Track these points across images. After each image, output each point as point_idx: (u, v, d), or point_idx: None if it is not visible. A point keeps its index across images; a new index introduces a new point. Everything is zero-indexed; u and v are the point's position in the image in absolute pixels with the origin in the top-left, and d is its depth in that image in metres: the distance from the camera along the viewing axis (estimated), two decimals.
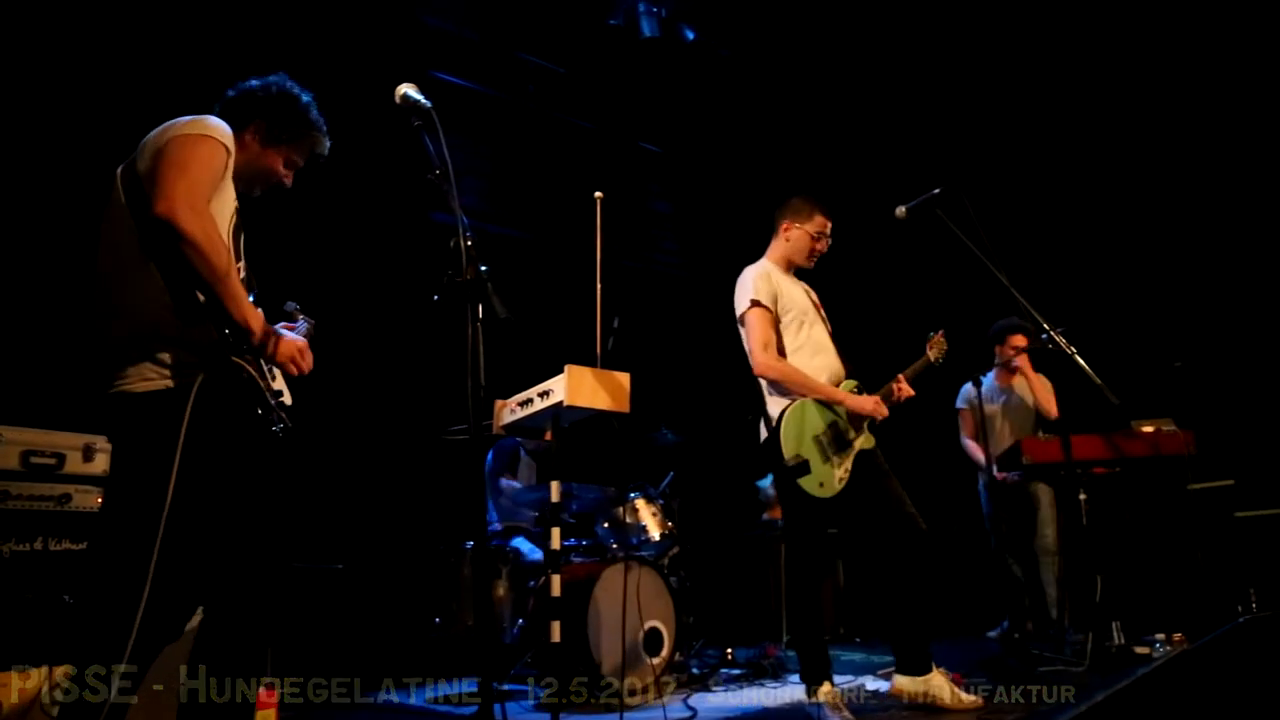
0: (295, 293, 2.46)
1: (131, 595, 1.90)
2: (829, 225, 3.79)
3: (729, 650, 4.98)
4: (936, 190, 3.70)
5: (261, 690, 3.44)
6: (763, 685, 4.30)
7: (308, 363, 2.21)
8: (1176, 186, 6.27)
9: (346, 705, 4.28)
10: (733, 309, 3.74)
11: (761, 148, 7.62)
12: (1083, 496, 4.36)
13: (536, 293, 5.74)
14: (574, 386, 2.98)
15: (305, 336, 2.79)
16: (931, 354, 3.83)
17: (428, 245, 5.25)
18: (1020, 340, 5.14)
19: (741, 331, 3.67)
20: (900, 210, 3.82)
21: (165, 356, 2.03)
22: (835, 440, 3.47)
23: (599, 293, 3.62)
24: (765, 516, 6.41)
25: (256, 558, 2.12)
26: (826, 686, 3.34)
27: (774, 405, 3.49)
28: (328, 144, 2.46)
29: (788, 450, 3.32)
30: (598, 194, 3.72)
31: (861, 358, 3.78)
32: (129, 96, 4.19)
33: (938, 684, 3.33)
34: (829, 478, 3.39)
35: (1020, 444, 4.53)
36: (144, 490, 1.97)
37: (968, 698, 3.32)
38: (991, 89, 6.69)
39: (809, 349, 3.60)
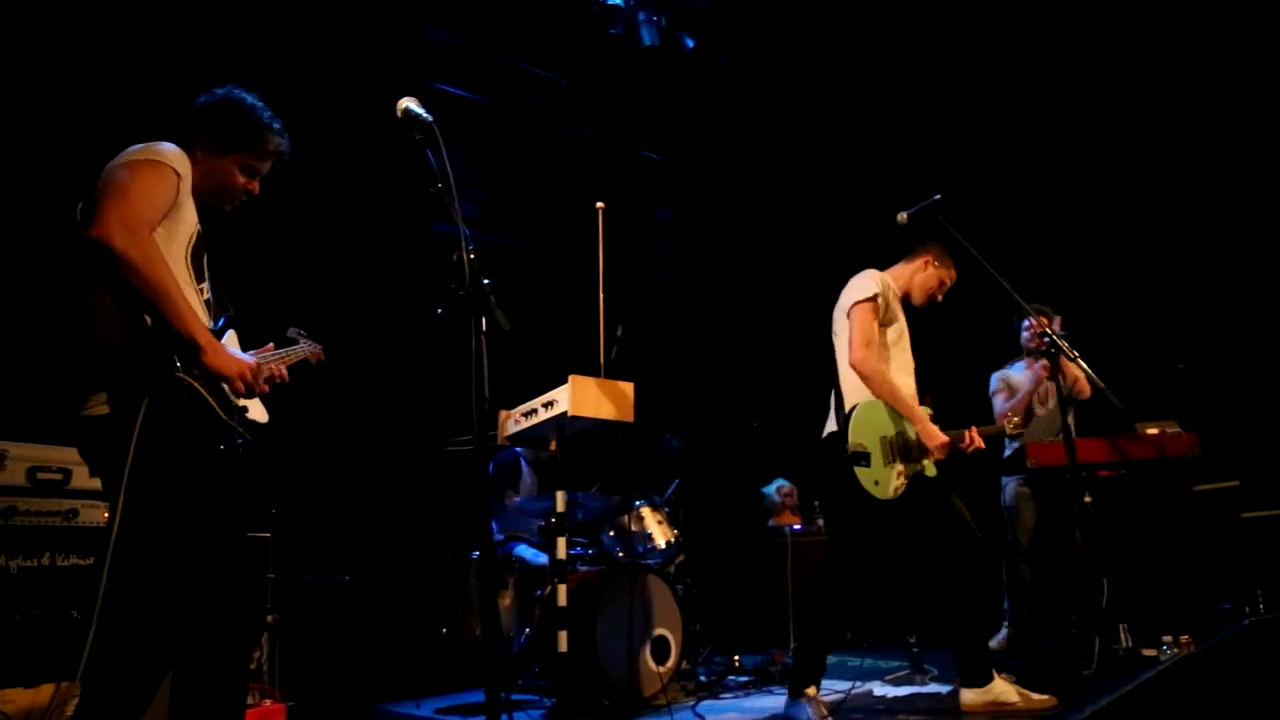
0: (300, 305, 2.47)
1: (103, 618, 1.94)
2: (952, 283, 3.91)
3: (736, 657, 4.98)
4: (938, 196, 3.70)
5: (268, 701, 3.47)
6: (770, 692, 4.30)
7: (259, 383, 2.21)
8: (1180, 189, 6.26)
9: (355, 717, 4.30)
10: (738, 318, 3.74)
11: (763, 155, 7.63)
12: (1088, 499, 4.36)
13: (539, 303, 5.75)
14: (578, 397, 2.99)
15: (309, 357, 2.82)
16: (1007, 427, 3.86)
17: (431, 256, 5.29)
18: (1043, 321, 5.07)
19: (839, 322, 3.67)
20: (902, 216, 3.82)
21: (117, 379, 2.05)
22: (902, 449, 3.50)
23: (602, 302, 3.63)
24: (771, 523, 6.41)
25: (223, 582, 2.10)
26: (813, 690, 3.35)
27: (855, 399, 3.51)
28: (285, 142, 2.45)
29: (853, 437, 3.35)
30: (599, 204, 3.73)
31: None
32: (134, 111, 4.22)
33: (1001, 690, 3.36)
34: (885, 479, 3.41)
35: (1025, 447, 4.53)
36: (110, 512, 2.01)
37: (1038, 696, 3.36)
38: (992, 94, 6.70)
39: (898, 367, 3.66)
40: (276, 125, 2.45)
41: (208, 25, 4.69)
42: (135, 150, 2.17)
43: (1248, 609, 4.80)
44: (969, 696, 3.41)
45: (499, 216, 6.26)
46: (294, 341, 2.82)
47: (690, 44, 6.42)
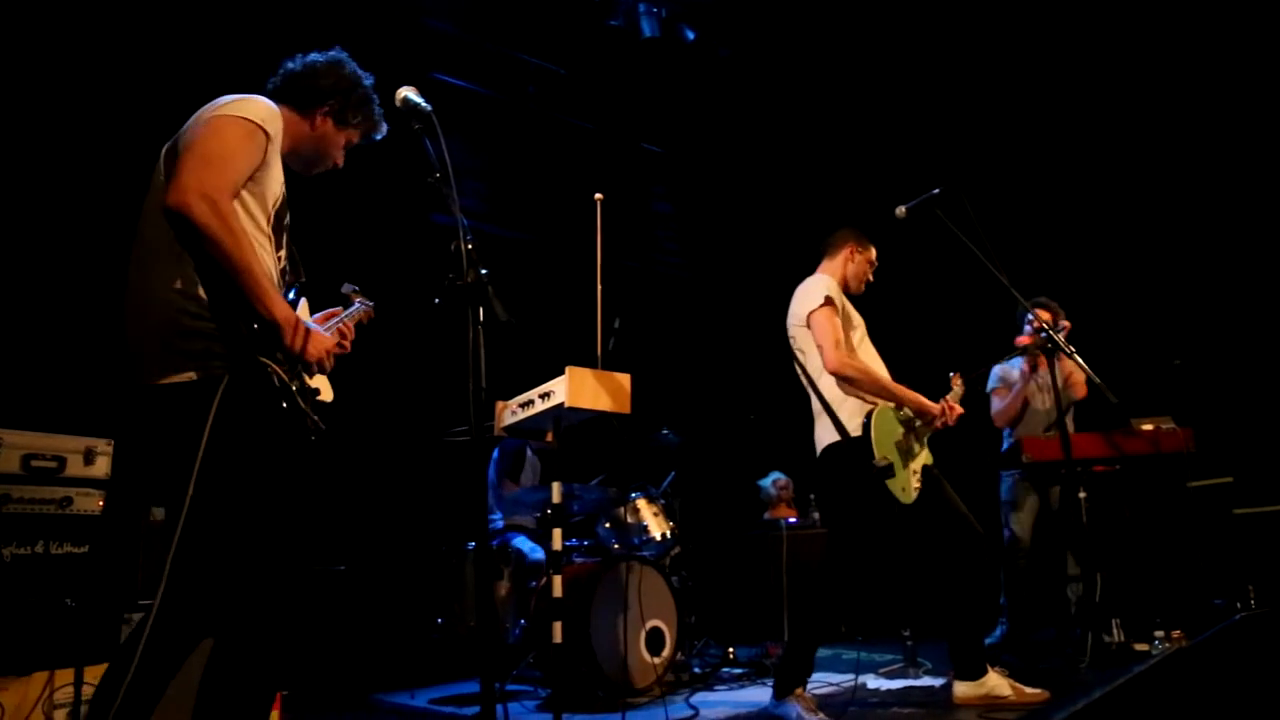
0: (306, 286, 2.42)
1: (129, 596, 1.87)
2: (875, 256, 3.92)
3: (731, 649, 5.00)
4: (936, 190, 3.71)
5: None
6: (764, 684, 4.30)
7: (332, 362, 2.12)
8: (1175, 185, 6.27)
9: (350, 707, 4.30)
10: (736, 311, 3.75)
11: (762, 148, 7.63)
12: (1083, 494, 4.37)
13: (537, 294, 5.74)
14: (575, 388, 2.98)
15: (362, 318, 2.75)
16: (957, 386, 3.87)
17: (428, 246, 5.28)
18: (1045, 316, 5.06)
19: (800, 335, 3.64)
20: (900, 210, 3.83)
21: (193, 350, 1.93)
22: (907, 449, 3.51)
23: (600, 294, 3.62)
24: (766, 516, 6.42)
25: (276, 569, 2.03)
26: (800, 690, 3.36)
27: (849, 407, 3.49)
28: (385, 126, 2.42)
29: (878, 450, 3.34)
30: (598, 195, 3.73)
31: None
32: (127, 99, 4.20)
33: (995, 683, 3.38)
34: (908, 484, 3.43)
35: (1021, 442, 4.54)
36: (165, 486, 1.90)
37: (1031, 690, 3.37)
38: (991, 88, 6.70)
39: (869, 363, 3.65)
40: (381, 109, 2.40)
41: (208, 14, 4.67)
42: (223, 104, 2.04)
43: (1239, 605, 4.82)
44: (962, 689, 3.42)
45: (497, 207, 6.25)
46: (349, 300, 2.73)
47: (690, 36, 6.40)
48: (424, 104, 2.31)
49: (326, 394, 2.36)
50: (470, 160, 6.05)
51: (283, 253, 2.20)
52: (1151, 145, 6.34)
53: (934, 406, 3.56)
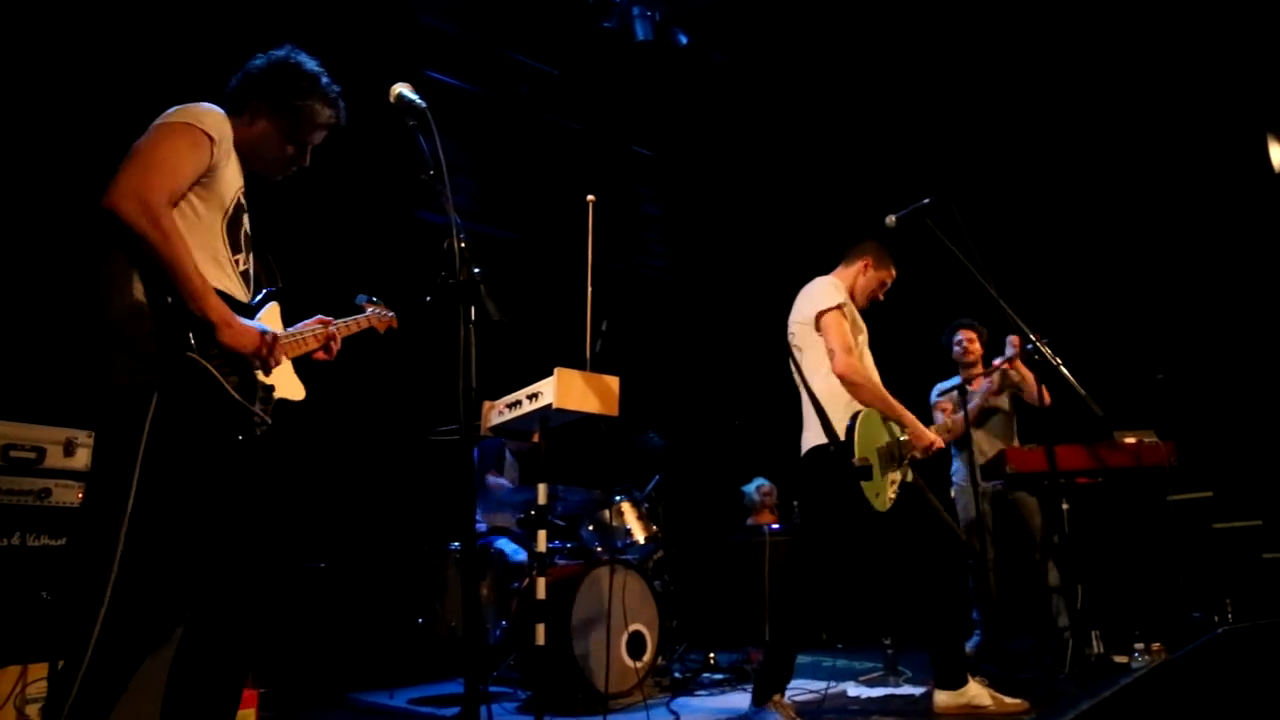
0: (285, 292, 2.42)
1: (97, 593, 1.87)
2: (892, 280, 3.92)
3: (712, 654, 4.99)
4: (926, 200, 3.71)
5: None
6: (745, 690, 4.29)
7: (278, 355, 2.12)
8: (1160, 201, 6.32)
9: (328, 705, 4.27)
10: (723, 316, 3.74)
11: (753, 154, 7.64)
12: (1065, 506, 4.39)
13: (526, 294, 5.73)
14: (563, 389, 2.98)
15: (378, 326, 2.77)
16: (948, 422, 4.00)
17: (415, 244, 5.26)
18: (970, 335, 5.20)
19: (801, 332, 3.64)
20: (890, 219, 3.83)
21: (137, 350, 1.96)
22: (889, 457, 3.50)
23: (589, 295, 3.61)
24: (750, 521, 6.42)
25: (236, 564, 2.05)
26: (779, 697, 3.36)
27: (840, 410, 3.48)
28: (342, 115, 2.38)
29: (859, 451, 3.34)
30: (590, 197, 3.72)
31: None
32: (118, 94, 4.16)
33: (975, 693, 3.38)
34: (883, 491, 3.42)
35: (1005, 453, 4.56)
36: (113, 485, 1.93)
37: (1010, 700, 3.38)
38: (981, 99, 6.74)
39: (868, 372, 3.65)
40: (333, 93, 2.36)
41: (201, 9, 4.64)
42: (170, 112, 2.07)
43: (1217, 618, 4.85)
44: (943, 698, 3.42)
45: (487, 206, 6.23)
46: (360, 310, 2.76)
47: (684, 40, 6.41)
48: (419, 100, 2.29)
49: (293, 392, 2.36)
50: (461, 159, 6.04)
51: (242, 255, 2.22)
52: (1136, 161, 6.39)
53: (925, 435, 3.55)
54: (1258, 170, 5.88)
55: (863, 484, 3.31)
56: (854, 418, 3.41)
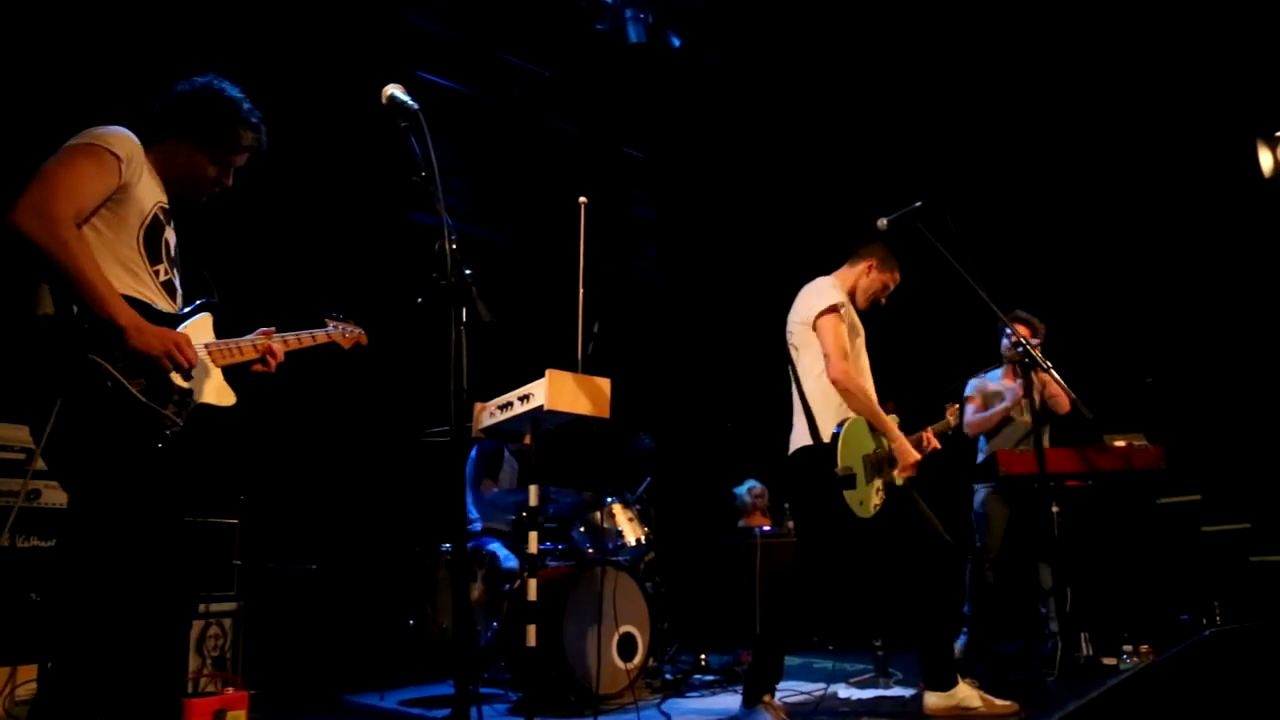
0: (275, 292, 2.44)
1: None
2: (896, 285, 3.89)
3: (703, 656, 4.99)
4: (918, 203, 3.72)
5: (231, 690, 3.42)
6: (736, 691, 4.29)
7: (190, 357, 2.16)
8: (1150, 205, 6.36)
9: (319, 707, 4.26)
10: (715, 318, 3.74)
11: (745, 157, 7.65)
12: (1055, 509, 4.41)
13: (518, 296, 5.73)
14: (555, 391, 2.97)
15: (343, 343, 2.80)
16: (951, 419, 3.97)
17: (406, 245, 5.26)
18: (1023, 331, 5.06)
19: (799, 331, 3.63)
20: (882, 222, 3.83)
21: (45, 356, 2.03)
22: (876, 465, 3.50)
23: (581, 298, 3.62)
24: (741, 523, 6.43)
25: (145, 571, 2.06)
26: (769, 698, 3.37)
27: (828, 412, 3.48)
28: (260, 138, 2.43)
29: (842, 460, 3.32)
30: (582, 199, 3.72)
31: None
32: (112, 96, 4.15)
33: (965, 695, 3.38)
34: (868, 498, 3.41)
35: (996, 455, 4.57)
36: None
37: (1000, 702, 3.37)
38: (973, 104, 6.76)
39: (861, 374, 3.64)
40: (254, 119, 2.41)
41: (190, 10, 4.62)
42: (79, 135, 2.15)
43: (1205, 620, 4.88)
44: (933, 700, 3.43)
45: (479, 208, 6.23)
46: (321, 326, 2.79)
47: (676, 43, 6.42)
48: (411, 102, 2.30)
49: (221, 397, 2.42)
50: (453, 160, 6.03)
51: (163, 266, 2.27)
52: (1127, 167, 6.42)
53: (911, 453, 3.53)
54: (1246, 175, 5.91)
55: (845, 492, 3.30)
56: (840, 425, 3.40)
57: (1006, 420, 5.03)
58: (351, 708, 4.24)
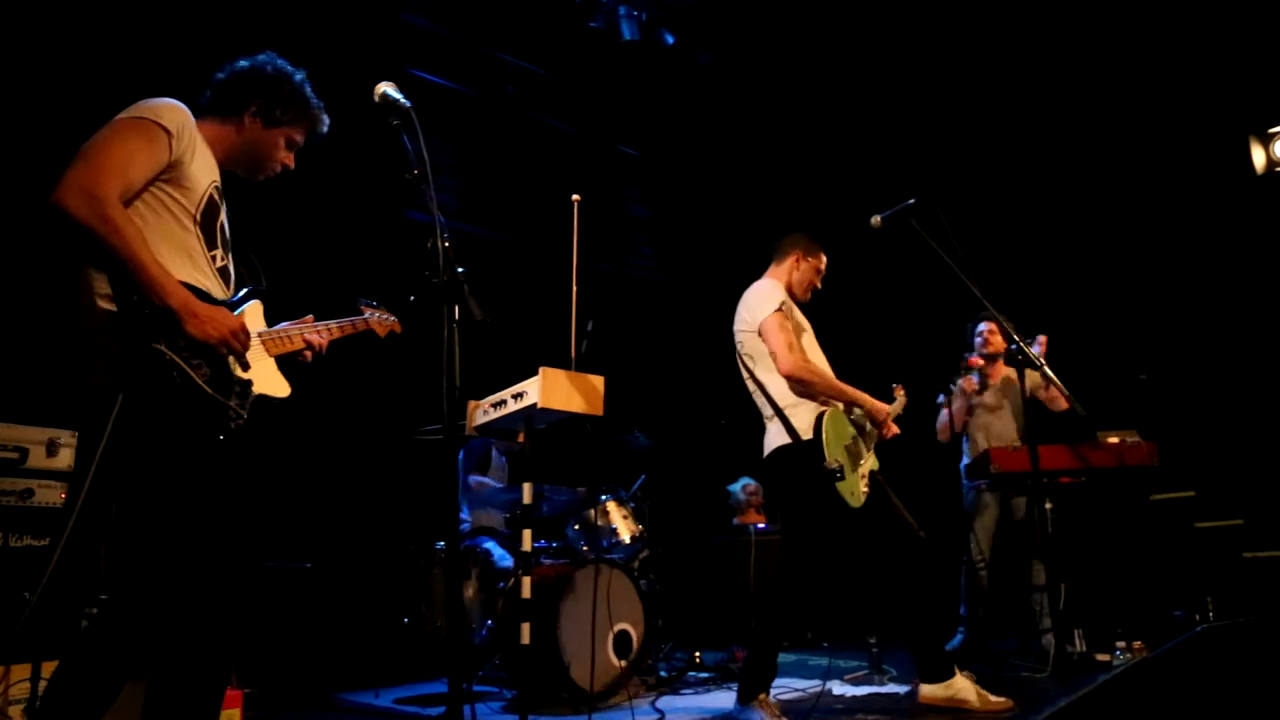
0: (273, 291, 2.41)
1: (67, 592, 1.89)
2: (825, 264, 3.94)
3: (697, 653, 5.00)
4: (912, 201, 3.73)
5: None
6: (730, 689, 4.29)
7: (244, 342, 2.07)
8: (1143, 202, 6.37)
9: (313, 705, 4.26)
10: (709, 316, 3.76)
11: (740, 155, 7.65)
12: (1049, 505, 4.42)
13: (511, 294, 5.72)
14: (548, 389, 2.97)
15: (379, 330, 2.76)
16: (900, 398, 3.99)
17: (402, 243, 5.25)
18: (993, 327, 5.09)
19: (748, 341, 3.67)
20: (875, 220, 3.84)
21: (101, 347, 1.92)
22: (858, 453, 3.53)
23: (574, 295, 3.61)
24: (735, 521, 6.43)
25: (216, 565, 1.99)
26: (764, 695, 3.37)
27: (800, 410, 3.49)
28: (326, 121, 2.41)
29: (829, 454, 3.34)
30: (575, 196, 3.72)
31: (838, 364, 3.81)
32: (100, 91, 4.13)
33: (961, 686, 3.38)
34: (856, 488, 3.44)
35: (989, 453, 4.58)
36: (76, 486, 1.92)
37: (995, 699, 3.38)
38: (968, 100, 6.77)
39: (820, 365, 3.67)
40: (320, 104, 2.39)
41: (186, 6, 4.61)
42: (130, 107, 2.04)
43: (1198, 616, 4.89)
44: (928, 690, 3.43)
45: (473, 206, 6.22)
46: (359, 313, 2.73)
47: (670, 40, 6.41)
48: (403, 100, 2.29)
49: (277, 389, 2.34)
50: (446, 158, 6.02)
51: (219, 252, 2.20)
52: (1120, 163, 6.43)
53: (885, 407, 3.61)
54: (1240, 172, 5.92)
55: (838, 485, 3.32)
56: (819, 419, 3.41)
57: (980, 419, 5.06)
58: (346, 706, 4.24)
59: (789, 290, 3.81)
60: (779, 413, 3.51)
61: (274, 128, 2.31)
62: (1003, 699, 3.40)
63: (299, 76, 2.36)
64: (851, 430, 3.55)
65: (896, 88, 6.89)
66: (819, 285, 3.91)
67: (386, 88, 2.31)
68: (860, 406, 3.59)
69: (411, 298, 2.20)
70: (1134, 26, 5.97)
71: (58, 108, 4.12)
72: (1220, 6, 5.71)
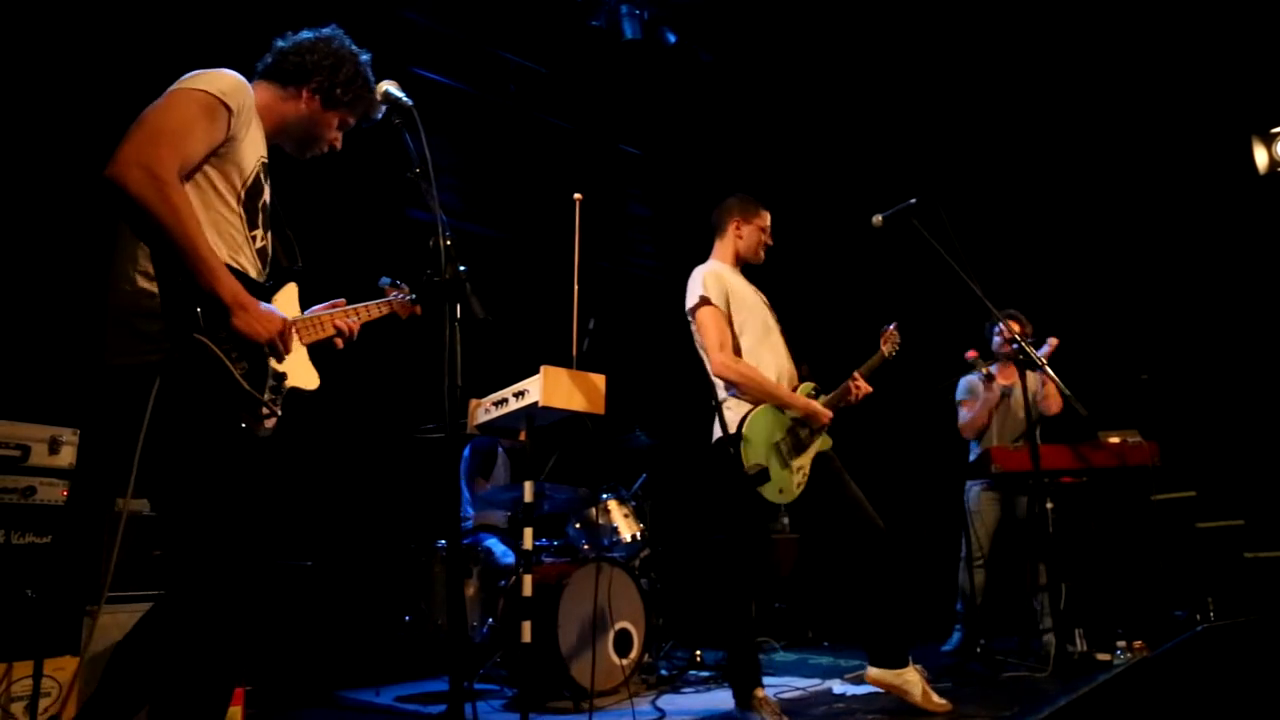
0: (302, 271, 2.38)
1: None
2: (770, 220, 3.87)
3: (698, 652, 5.00)
4: (913, 200, 3.73)
5: None
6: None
7: (289, 343, 2.02)
8: (1145, 201, 6.36)
9: (315, 703, 4.26)
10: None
11: (741, 153, 7.64)
12: (1050, 505, 4.42)
13: (513, 293, 5.73)
14: (549, 387, 2.98)
15: (401, 312, 2.72)
16: (885, 348, 3.84)
17: (405, 242, 5.25)
18: (1014, 327, 5.05)
19: (693, 330, 3.65)
20: (877, 219, 3.85)
21: (144, 330, 1.85)
22: (794, 445, 3.48)
23: (576, 294, 3.62)
24: None
25: (224, 557, 1.95)
26: (760, 692, 3.36)
27: (733, 408, 3.47)
28: (383, 108, 2.35)
29: (749, 458, 3.31)
30: (577, 195, 3.72)
31: (837, 362, 3.81)
32: (99, 85, 4.14)
33: (911, 680, 3.35)
34: (788, 484, 3.40)
35: (990, 452, 4.58)
36: (107, 474, 1.88)
37: (938, 700, 3.34)
38: (970, 99, 6.76)
39: (762, 349, 3.60)
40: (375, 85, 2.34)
41: (185, 4, 4.61)
42: (186, 77, 1.96)
43: (1199, 616, 4.89)
44: (875, 673, 3.40)
45: (474, 205, 6.22)
46: (381, 294, 2.66)
47: (672, 39, 6.41)
48: (405, 98, 2.29)
49: (307, 380, 2.29)
50: (448, 156, 6.02)
51: (259, 231, 2.13)
52: (1122, 163, 6.43)
53: (822, 411, 3.51)
54: (1242, 172, 5.92)
55: (762, 489, 3.29)
56: (743, 420, 3.37)
57: (997, 415, 5.04)
58: (347, 703, 4.25)
59: (737, 262, 3.76)
60: (718, 405, 3.48)
61: (332, 109, 2.28)
62: (944, 701, 3.34)
63: (365, 58, 2.32)
64: (785, 425, 3.47)
65: (898, 87, 6.88)
66: (769, 242, 3.84)
67: (389, 86, 2.30)
68: (793, 410, 3.51)
69: (413, 296, 2.20)
70: (1135, 26, 5.96)
71: (57, 108, 4.12)
72: (1222, 6, 5.71)
